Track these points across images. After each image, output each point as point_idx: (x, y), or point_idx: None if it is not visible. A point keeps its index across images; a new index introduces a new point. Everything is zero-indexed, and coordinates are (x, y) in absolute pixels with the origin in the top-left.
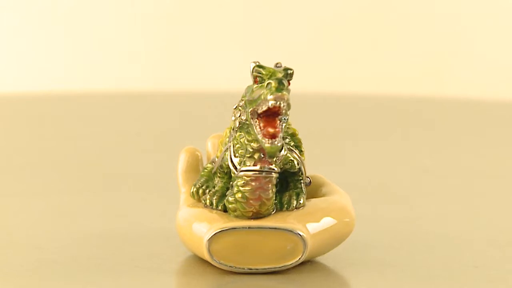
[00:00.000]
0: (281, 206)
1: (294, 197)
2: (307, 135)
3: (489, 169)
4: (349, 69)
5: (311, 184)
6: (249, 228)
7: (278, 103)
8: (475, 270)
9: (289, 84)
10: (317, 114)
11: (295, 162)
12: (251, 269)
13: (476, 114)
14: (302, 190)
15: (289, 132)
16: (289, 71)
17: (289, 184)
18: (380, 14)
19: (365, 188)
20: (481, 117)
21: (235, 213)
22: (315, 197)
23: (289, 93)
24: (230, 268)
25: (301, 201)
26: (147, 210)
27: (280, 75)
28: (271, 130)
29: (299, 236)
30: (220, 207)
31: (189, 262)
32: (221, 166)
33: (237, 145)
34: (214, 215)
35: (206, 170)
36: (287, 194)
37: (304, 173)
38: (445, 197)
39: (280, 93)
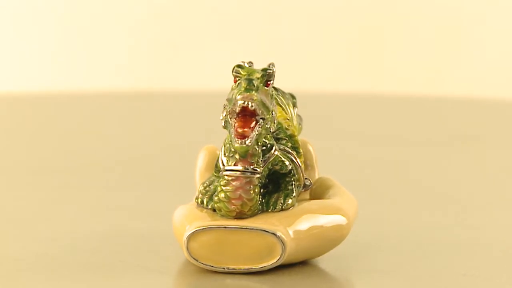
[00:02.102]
0: (267, 207)
1: (282, 199)
2: (315, 135)
3: (497, 173)
4: (350, 68)
5: (311, 186)
6: (225, 227)
7: (246, 103)
8: (463, 279)
9: (268, 85)
10: (320, 113)
11: (286, 163)
12: (229, 269)
13: (478, 114)
14: (292, 192)
15: (288, 133)
16: (268, 71)
17: (280, 185)
18: (381, 13)
19: (372, 191)
20: (484, 117)
21: (220, 212)
22: (319, 199)
23: (266, 94)
24: (209, 267)
25: (289, 202)
26: (155, 210)
27: (257, 75)
28: (240, 130)
29: (276, 237)
30: (210, 206)
31: (187, 262)
32: (216, 165)
33: (227, 145)
34: (201, 214)
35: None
36: (275, 195)
37: (301, 175)
38: (456, 202)
39: (247, 93)
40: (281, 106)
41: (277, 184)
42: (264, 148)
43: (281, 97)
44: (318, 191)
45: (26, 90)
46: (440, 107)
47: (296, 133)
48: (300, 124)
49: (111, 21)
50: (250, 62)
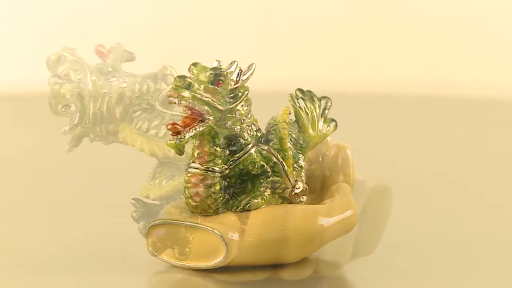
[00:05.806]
0: (231, 207)
1: (248, 199)
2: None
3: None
4: (351, 68)
5: (303, 190)
6: (176, 223)
7: (173, 100)
8: None
9: (218, 84)
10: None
11: (260, 163)
12: (180, 264)
13: (478, 113)
14: (262, 193)
15: (279, 135)
16: (217, 71)
17: (255, 186)
18: (384, 12)
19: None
20: (484, 116)
21: (189, 208)
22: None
23: (215, 92)
24: (165, 261)
25: (256, 202)
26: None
27: (205, 74)
28: (169, 126)
29: (220, 237)
30: None
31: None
32: None
33: None
34: (177, 210)
35: None
36: (243, 195)
37: (288, 179)
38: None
39: (175, 91)
40: (299, 109)
41: (253, 184)
42: (235, 148)
43: (304, 101)
44: (327, 196)
45: (25, 90)
46: (444, 106)
47: (285, 137)
48: (328, 127)
49: (112, 21)
50: (233, 61)
